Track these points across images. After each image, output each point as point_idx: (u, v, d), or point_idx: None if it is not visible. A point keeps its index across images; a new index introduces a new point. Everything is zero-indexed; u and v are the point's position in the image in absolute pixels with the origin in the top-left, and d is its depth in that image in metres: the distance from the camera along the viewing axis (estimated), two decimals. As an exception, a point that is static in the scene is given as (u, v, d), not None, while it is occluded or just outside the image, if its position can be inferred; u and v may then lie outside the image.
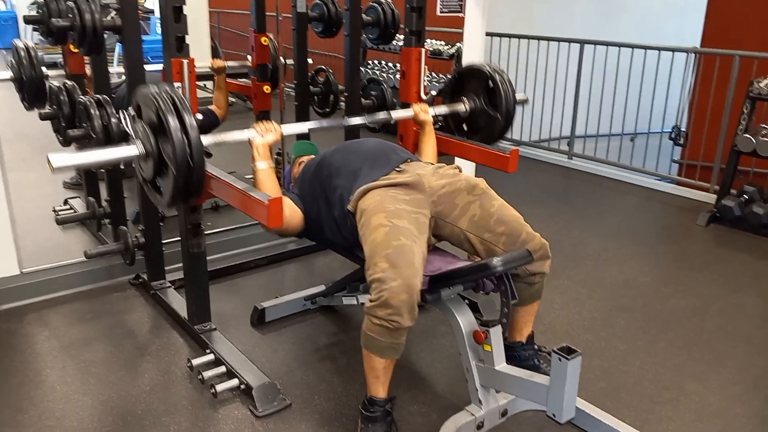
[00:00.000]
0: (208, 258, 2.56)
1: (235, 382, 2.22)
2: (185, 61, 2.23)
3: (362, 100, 3.36)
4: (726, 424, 2.18)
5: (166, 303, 2.80)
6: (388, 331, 1.82)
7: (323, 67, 3.76)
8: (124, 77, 2.82)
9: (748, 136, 3.84)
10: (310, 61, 3.66)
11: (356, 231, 2.05)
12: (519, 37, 5.56)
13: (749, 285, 3.24)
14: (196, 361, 2.32)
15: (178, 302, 2.76)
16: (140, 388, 2.29)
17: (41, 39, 3.77)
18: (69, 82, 2.94)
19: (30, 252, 3.03)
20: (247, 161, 2.18)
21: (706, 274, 3.35)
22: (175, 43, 2.22)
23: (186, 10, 2.21)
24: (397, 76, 5.31)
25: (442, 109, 2.68)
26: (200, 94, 2.47)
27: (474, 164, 3.55)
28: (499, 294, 1.97)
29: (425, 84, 2.76)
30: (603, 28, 6.32)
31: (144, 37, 2.79)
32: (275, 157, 2.20)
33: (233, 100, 6.53)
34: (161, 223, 2.91)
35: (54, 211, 3.82)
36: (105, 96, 2.66)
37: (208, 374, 2.25)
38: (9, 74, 3.07)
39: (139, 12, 2.65)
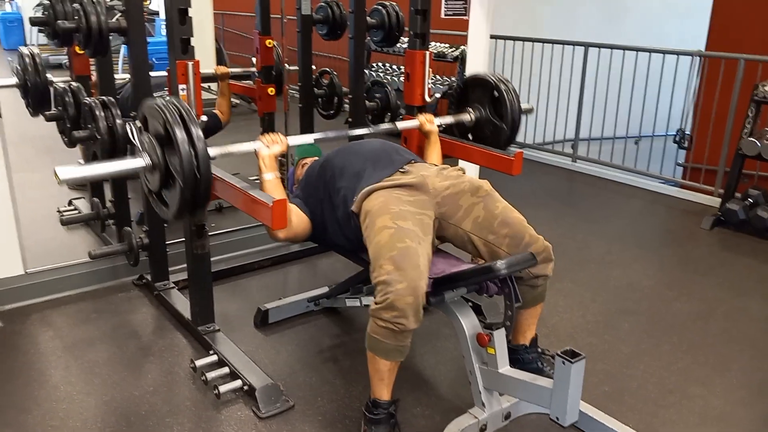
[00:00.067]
0: (211, 259, 2.56)
1: (238, 383, 2.22)
2: (190, 63, 2.24)
3: (366, 102, 3.36)
4: (730, 427, 2.17)
5: (170, 304, 2.81)
6: (393, 333, 1.81)
7: (327, 69, 3.76)
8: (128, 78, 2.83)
9: (752, 139, 3.84)
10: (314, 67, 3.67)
11: (360, 232, 2.05)
12: (523, 40, 5.56)
13: (754, 289, 3.23)
14: (199, 362, 2.32)
15: (182, 303, 2.76)
16: (144, 388, 2.29)
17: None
18: (74, 84, 2.95)
19: (34, 252, 3.04)
20: (251, 162, 2.18)
21: (711, 278, 3.34)
22: (181, 45, 2.23)
23: (191, 12, 2.22)
24: (401, 78, 5.32)
25: (448, 119, 2.68)
26: (204, 95, 2.47)
27: (478, 167, 3.55)
28: (503, 297, 1.97)
29: (429, 86, 2.76)
30: (606, 31, 6.31)
31: (149, 39, 2.80)
32: (279, 158, 2.20)
33: (237, 101, 6.55)
34: (165, 224, 2.91)
35: (58, 211, 3.83)
36: (110, 98, 2.67)
37: (211, 375, 2.25)
38: (14, 80, 3.09)
39: (144, 14, 2.66)
